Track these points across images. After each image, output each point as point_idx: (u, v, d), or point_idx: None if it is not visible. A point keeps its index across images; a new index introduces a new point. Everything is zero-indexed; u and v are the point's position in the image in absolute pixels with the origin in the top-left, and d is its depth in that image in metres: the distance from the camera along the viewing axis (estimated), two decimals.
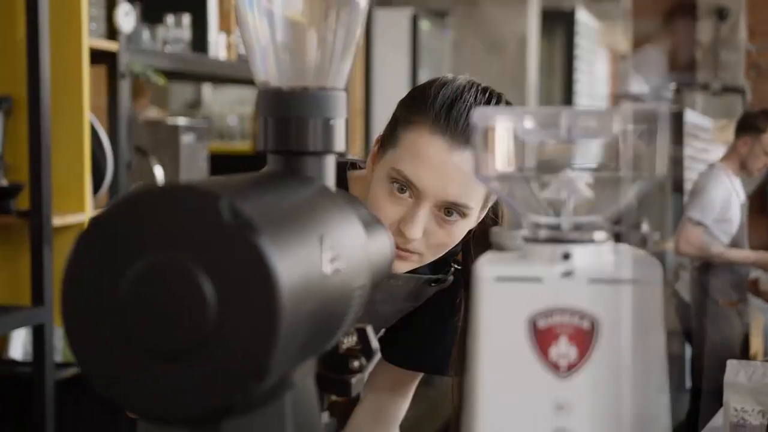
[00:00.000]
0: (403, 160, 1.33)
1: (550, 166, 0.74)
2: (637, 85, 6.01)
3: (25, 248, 2.63)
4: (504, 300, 0.70)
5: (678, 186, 6.83)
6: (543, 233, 0.72)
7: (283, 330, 0.63)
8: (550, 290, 0.70)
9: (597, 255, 0.71)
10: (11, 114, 2.70)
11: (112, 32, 2.97)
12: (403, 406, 1.67)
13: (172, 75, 3.73)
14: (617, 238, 0.74)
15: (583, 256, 0.71)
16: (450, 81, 1.36)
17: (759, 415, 1.92)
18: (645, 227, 6.11)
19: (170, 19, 3.36)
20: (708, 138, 7.38)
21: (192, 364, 0.63)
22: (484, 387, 0.71)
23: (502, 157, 0.73)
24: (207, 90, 5.60)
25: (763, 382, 1.90)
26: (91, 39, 2.83)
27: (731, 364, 2.01)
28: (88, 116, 2.78)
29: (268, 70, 0.82)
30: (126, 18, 2.95)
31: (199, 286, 0.62)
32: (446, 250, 1.39)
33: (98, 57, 2.93)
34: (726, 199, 4.77)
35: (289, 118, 0.80)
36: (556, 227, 0.73)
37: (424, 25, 5.89)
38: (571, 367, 0.70)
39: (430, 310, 1.56)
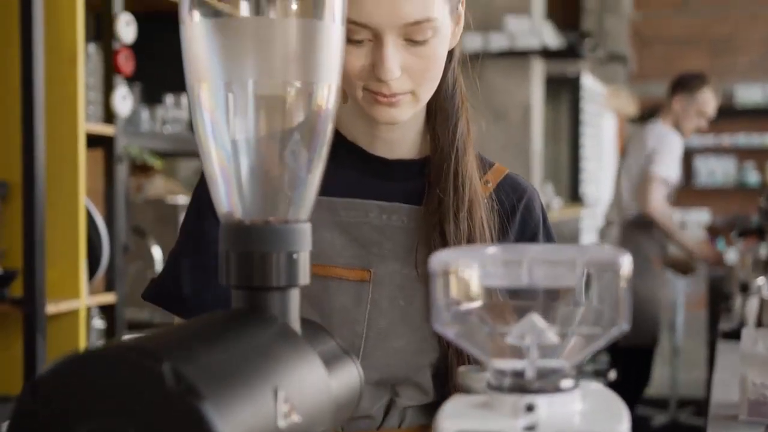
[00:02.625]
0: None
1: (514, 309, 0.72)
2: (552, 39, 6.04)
3: (19, 337, 2.60)
4: None
5: (575, 142, 7.08)
6: (507, 381, 0.70)
7: None
8: None
9: (564, 405, 0.68)
10: (6, 199, 2.69)
11: (109, 115, 2.97)
12: None
13: (171, 154, 3.73)
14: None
15: (549, 406, 0.68)
16: None
17: None
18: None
19: (169, 99, 3.37)
20: (602, 102, 7.45)
21: None
22: None
23: (461, 301, 0.70)
24: None
25: None
26: (88, 123, 2.82)
27: (747, 333, 1.75)
28: (83, 201, 2.76)
29: (231, 202, 0.80)
30: (123, 101, 2.95)
31: None
32: (437, 79, 1.30)
33: (95, 140, 2.92)
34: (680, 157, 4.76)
35: (251, 252, 0.78)
36: (521, 373, 0.70)
37: None
38: None
39: None
